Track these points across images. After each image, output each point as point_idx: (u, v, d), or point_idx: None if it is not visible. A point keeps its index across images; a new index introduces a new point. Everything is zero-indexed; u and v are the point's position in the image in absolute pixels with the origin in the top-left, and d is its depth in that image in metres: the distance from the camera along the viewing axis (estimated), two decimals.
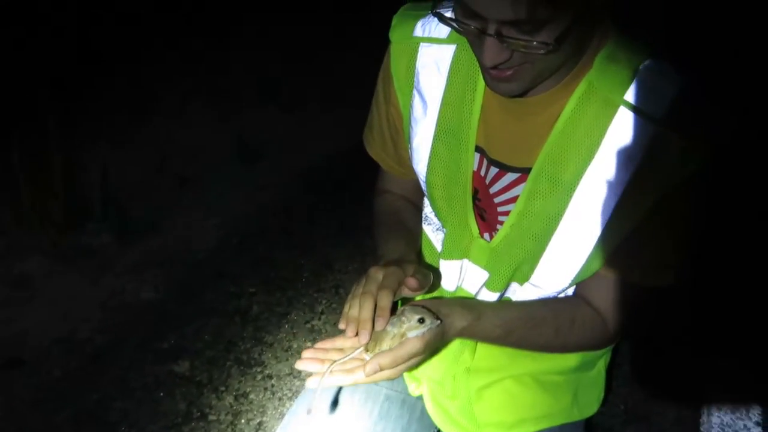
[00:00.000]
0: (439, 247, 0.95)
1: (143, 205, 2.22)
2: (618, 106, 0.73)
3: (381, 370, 0.74)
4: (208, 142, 2.64)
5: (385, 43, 0.89)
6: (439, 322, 0.78)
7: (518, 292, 0.90)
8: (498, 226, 0.86)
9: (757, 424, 1.40)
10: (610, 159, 0.75)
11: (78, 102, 2.65)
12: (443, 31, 0.82)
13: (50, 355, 1.68)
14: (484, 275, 0.90)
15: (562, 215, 0.79)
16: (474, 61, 0.79)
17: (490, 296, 0.91)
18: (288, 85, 2.99)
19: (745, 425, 1.40)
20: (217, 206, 2.29)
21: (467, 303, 0.86)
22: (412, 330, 0.76)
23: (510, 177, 0.83)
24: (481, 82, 0.81)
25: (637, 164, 0.74)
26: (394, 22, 0.88)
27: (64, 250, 1.99)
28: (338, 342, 0.80)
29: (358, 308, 0.76)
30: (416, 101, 0.87)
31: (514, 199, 0.83)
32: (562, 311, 0.88)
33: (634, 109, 0.72)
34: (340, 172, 2.35)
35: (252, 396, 1.52)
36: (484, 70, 0.72)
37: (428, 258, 1.00)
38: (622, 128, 0.73)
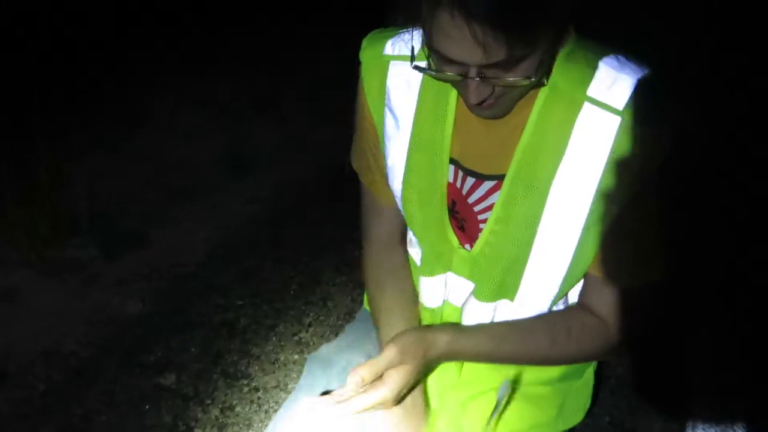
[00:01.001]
0: (419, 263, 0.96)
1: (131, 217, 2.22)
2: (582, 103, 0.74)
3: (363, 382, 0.76)
4: (198, 153, 2.65)
5: None
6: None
7: (508, 312, 0.90)
8: (479, 235, 0.87)
9: None
10: (581, 156, 0.77)
11: (67, 113, 2.65)
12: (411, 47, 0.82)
13: (35, 368, 1.66)
14: (469, 286, 0.91)
15: (540, 217, 0.80)
16: None
17: (480, 308, 0.91)
18: (280, 96, 3.01)
19: None
20: (206, 218, 2.29)
21: (451, 324, 0.91)
22: None
23: (487, 185, 0.84)
24: (453, 95, 0.82)
25: (606, 159, 0.75)
26: (364, 44, 0.89)
27: (50, 264, 1.98)
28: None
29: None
30: (389, 119, 0.88)
31: (491, 207, 0.84)
32: (557, 321, 0.88)
33: (598, 103, 0.74)
34: (330, 184, 2.35)
35: (238, 409, 1.51)
36: (468, 103, 0.74)
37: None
38: (588, 124, 0.75)
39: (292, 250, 2.12)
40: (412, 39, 0.78)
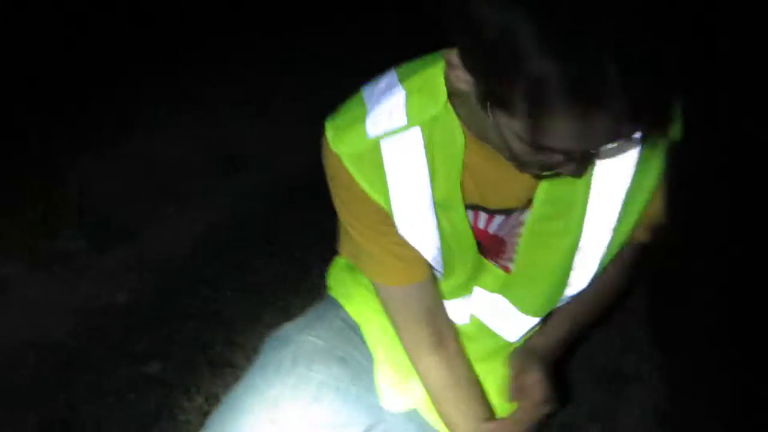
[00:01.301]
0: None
1: (122, 211, 2.23)
2: None
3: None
4: (190, 152, 2.66)
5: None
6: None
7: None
8: (504, 249, 0.92)
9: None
10: (609, 171, 0.81)
11: (59, 112, 2.67)
12: (397, 118, 0.78)
13: (21, 359, 1.67)
14: (500, 300, 0.95)
15: (580, 230, 0.85)
16: (446, 131, 0.79)
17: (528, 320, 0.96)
18: (272, 96, 3.02)
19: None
20: (196, 214, 2.30)
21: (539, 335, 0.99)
22: None
23: (516, 215, 0.87)
24: (459, 147, 0.79)
25: (634, 164, 0.80)
26: (330, 134, 0.82)
27: (39, 255, 2.00)
28: None
29: None
30: (395, 194, 0.82)
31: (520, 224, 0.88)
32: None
33: None
34: (322, 181, 2.36)
35: (222, 397, 1.52)
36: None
37: None
38: None
39: (283, 245, 2.13)
40: (396, 107, 0.77)
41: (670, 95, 0.68)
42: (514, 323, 0.96)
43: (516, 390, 0.92)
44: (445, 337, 0.94)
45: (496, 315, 0.97)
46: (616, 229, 0.85)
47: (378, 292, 0.93)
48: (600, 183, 0.81)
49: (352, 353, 1.05)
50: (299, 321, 1.09)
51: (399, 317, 0.93)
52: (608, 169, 0.80)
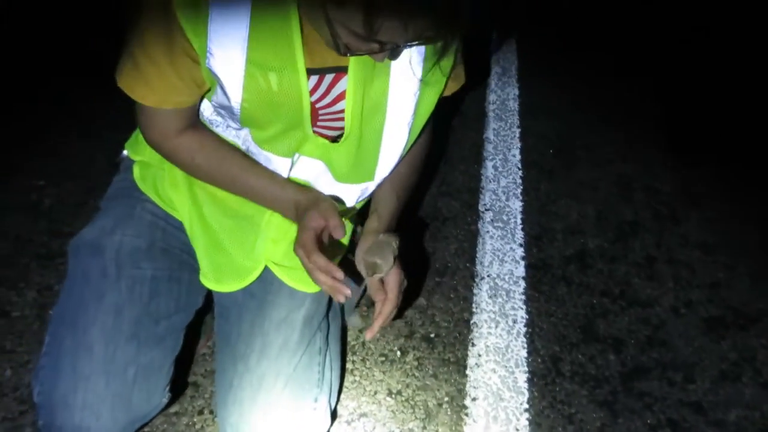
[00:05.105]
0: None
1: None
2: None
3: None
4: None
5: None
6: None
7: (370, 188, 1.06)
8: (317, 123, 0.95)
9: (520, 245, 1.69)
10: None
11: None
12: None
13: None
14: (319, 165, 1.01)
15: (386, 101, 0.92)
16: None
17: (346, 189, 1.05)
18: None
19: (511, 248, 1.68)
20: None
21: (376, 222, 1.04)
22: (394, 252, 0.97)
23: (327, 79, 0.90)
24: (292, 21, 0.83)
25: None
26: None
27: None
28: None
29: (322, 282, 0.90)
30: (215, 40, 0.82)
31: (334, 102, 0.93)
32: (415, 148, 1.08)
33: None
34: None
35: (57, 287, 1.48)
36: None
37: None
38: None
39: (87, 125, 1.98)
40: None
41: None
42: (329, 188, 1.05)
43: (377, 288, 0.99)
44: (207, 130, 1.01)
45: (315, 179, 1.04)
46: (416, 107, 0.96)
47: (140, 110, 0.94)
48: (397, 65, 0.90)
49: (170, 243, 1.06)
50: (101, 223, 1.04)
51: (166, 120, 0.95)
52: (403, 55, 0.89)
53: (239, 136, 1.01)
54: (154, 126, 0.95)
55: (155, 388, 0.97)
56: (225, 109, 0.94)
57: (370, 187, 1.06)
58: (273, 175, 1.01)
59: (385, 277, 0.97)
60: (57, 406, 0.88)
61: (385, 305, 0.96)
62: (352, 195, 1.06)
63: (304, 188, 1.01)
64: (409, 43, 0.74)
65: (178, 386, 1.26)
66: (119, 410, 0.90)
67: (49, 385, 0.89)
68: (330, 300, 1.13)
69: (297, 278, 1.05)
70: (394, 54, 0.85)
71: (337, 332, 1.18)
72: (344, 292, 0.88)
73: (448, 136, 2.08)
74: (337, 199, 1.07)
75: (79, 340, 0.91)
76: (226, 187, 1.02)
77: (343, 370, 1.32)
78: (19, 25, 2.45)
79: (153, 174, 1.08)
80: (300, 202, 0.98)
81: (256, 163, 1.01)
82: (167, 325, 1.00)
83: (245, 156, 1.01)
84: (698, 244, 1.76)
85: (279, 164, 1.01)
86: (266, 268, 1.06)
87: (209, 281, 1.06)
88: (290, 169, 1.02)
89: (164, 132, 0.96)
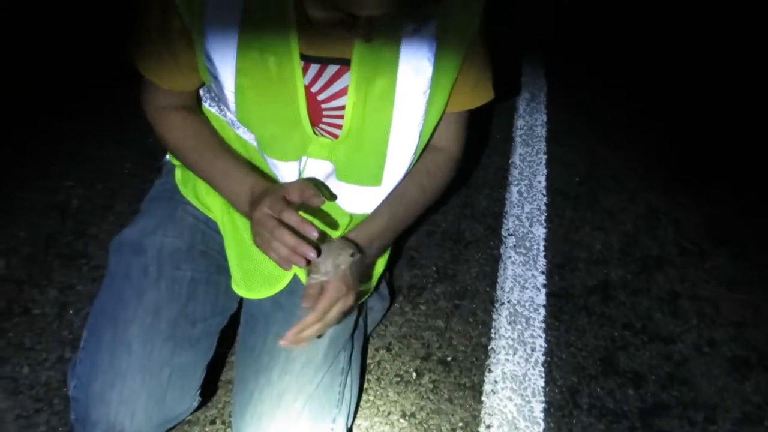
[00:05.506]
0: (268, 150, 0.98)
1: None
2: None
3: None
4: None
5: None
6: (360, 255, 0.90)
7: (377, 194, 1.02)
8: (322, 119, 0.93)
9: (542, 272, 1.67)
10: (416, 30, 0.86)
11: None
12: None
13: None
14: (328, 166, 0.98)
15: (394, 97, 0.89)
16: None
17: (350, 191, 1.01)
18: None
19: (532, 274, 1.66)
20: None
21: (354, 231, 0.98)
22: (345, 262, 0.87)
23: (330, 70, 0.89)
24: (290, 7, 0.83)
25: (437, 26, 0.85)
26: None
27: None
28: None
29: (282, 247, 0.81)
30: (211, 11, 0.84)
31: (336, 95, 0.90)
32: (415, 172, 1.01)
33: None
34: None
35: (79, 287, 1.49)
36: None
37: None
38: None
39: (121, 129, 2.02)
40: None
41: None
42: (335, 190, 1.02)
43: (311, 292, 0.89)
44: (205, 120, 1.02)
45: (325, 181, 1.02)
46: (426, 112, 0.92)
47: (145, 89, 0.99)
48: (406, 64, 0.87)
49: (209, 246, 1.07)
50: (143, 224, 1.06)
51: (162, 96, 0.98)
52: (411, 54, 0.87)
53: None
54: (147, 93, 0.98)
55: (188, 390, 0.98)
56: (222, 103, 0.94)
57: (378, 194, 1.02)
58: (239, 165, 0.97)
59: (326, 284, 0.87)
60: (93, 401, 0.89)
61: (309, 315, 0.86)
62: (358, 200, 1.03)
63: (266, 178, 0.96)
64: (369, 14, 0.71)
65: (206, 391, 1.26)
66: (153, 409, 0.91)
67: (86, 380, 0.90)
68: (357, 319, 1.13)
69: None
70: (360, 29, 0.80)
71: (359, 352, 1.17)
72: (307, 254, 0.81)
73: (473, 159, 2.07)
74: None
75: (119, 337, 0.92)
76: (192, 169, 1.00)
77: (360, 391, 1.31)
78: (58, 31, 2.51)
79: (193, 178, 1.09)
80: (255, 188, 0.92)
81: (228, 151, 0.98)
82: (203, 327, 1.01)
83: (221, 143, 0.99)
84: (724, 282, 1.72)
85: (286, 170, 0.98)
86: (298, 281, 1.06)
87: (240, 288, 1.06)
88: (300, 174, 0.99)
89: (155, 104, 0.99)
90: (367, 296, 1.16)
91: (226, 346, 1.37)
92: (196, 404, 1.01)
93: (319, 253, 0.84)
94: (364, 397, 1.33)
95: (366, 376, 1.36)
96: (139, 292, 0.95)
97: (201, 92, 1.03)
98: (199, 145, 0.98)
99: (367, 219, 0.99)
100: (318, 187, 0.92)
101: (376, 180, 0.99)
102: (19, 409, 1.23)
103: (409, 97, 0.89)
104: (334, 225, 1.07)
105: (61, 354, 1.34)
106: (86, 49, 2.37)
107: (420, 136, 0.95)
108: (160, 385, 0.92)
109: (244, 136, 1.00)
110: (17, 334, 1.37)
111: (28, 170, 1.82)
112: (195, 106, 1.02)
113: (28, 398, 1.25)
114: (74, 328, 1.40)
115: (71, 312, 1.43)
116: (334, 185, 1.02)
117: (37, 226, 1.65)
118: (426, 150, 1.02)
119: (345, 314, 0.90)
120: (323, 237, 1.05)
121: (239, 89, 0.88)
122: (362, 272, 0.95)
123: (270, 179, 0.96)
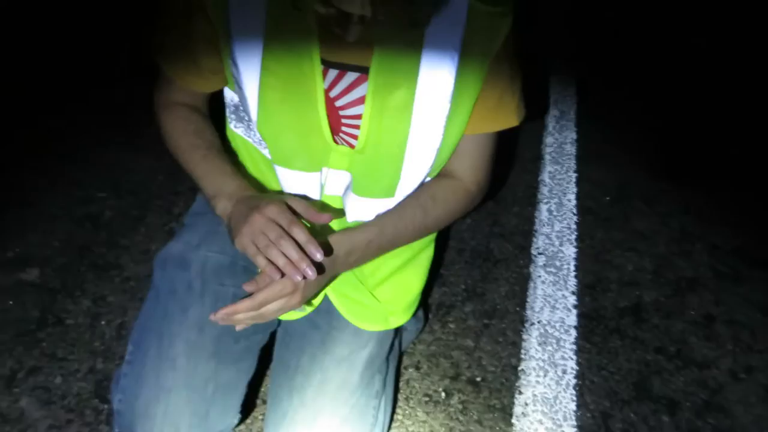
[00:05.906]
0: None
1: None
2: None
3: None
4: None
5: None
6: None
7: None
8: (341, 128, 0.91)
9: (572, 293, 1.65)
10: (438, 43, 0.84)
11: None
12: None
13: None
14: (347, 177, 0.95)
15: (412, 106, 0.87)
16: None
17: (363, 204, 0.98)
18: None
19: (563, 294, 1.64)
20: None
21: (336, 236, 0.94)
22: None
23: (350, 77, 0.87)
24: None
25: (460, 40, 0.84)
26: None
27: None
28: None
29: (282, 256, 0.80)
30: (235, 13, 0.84)
31: (354, 103, 0.89)
32: (421, 194, 0.97)
33: None
34: None
35: (111, 298, 1.51)
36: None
37: (256, 168, 1.04)
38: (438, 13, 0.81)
39: (151, 140, 2.04)
40: None
41: None
42: (351, 205, 1.00)
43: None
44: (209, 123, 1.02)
45: (343, 195, 0.99)
46: (446, 127, 0.90)
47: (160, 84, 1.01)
48: (426, 76, 0.86)
49: (251, 262, 1.06)
50: (187, 238, 1.05)
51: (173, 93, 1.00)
52: (432, 67, 0.85)
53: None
54: (161, 86, 1.01)
55: (230, 407, 0.98)
56: (245, 111, 0.93)
57: (389, 205, 0.99)
58: (233, 166, 0.96)
59: (277, 279, 0.84)
60: (138, 416, 0.89)
61: (245, 301, 0.84)
62: (364, 211, 1.00)
63: (250, 189, 0.94)
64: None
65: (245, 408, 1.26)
66: (197, 425, 0.91)
67: (132, 394, 0.91)
68: (392, 341, 1.12)
69: (360, 316, 1.04)
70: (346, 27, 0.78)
71: (393, 374, 1.16)
72: (307, 273, 0.80)
73: (502, 177, 2.06)
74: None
75: (164, 352, 0.92)
76: (184, 160, 0.98)
77: (392, 413, 1.30)
78: (99, 40, 2.56)
79: None
80: (242, 188, 0.91)
81: (223, 153, 0.98)
82: (246, 345, 1.01)
83: (220, 145, 0.99)
84: (760, 307, 1.68)
85: (307, 183, 0.97)
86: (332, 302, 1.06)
87: None
88: (321, 188, 0.97)
89: (165, 97, 1.01)
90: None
91: (263, 364, 1.37)
92: (236, 421, 1.01)
93: (321, 272, 0.85)
94: (393, 415, 1.32)
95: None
96: (183, 308, 0.96)
97: (227, 113, 1.03)
98: (198, 140, 0.98)
99: (354, 228, 0.95)
100: (314, 205, 0.91)
101: (388, 193, 0.97)
102: (52, 419, 1.24)
103: (428, 109, 0.87)
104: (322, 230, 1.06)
105: (93, 365, 1.35)
106: (115, 53, 2.41)
107: (438, 152, 0.92)
108: (204, 401, 0.92)
109: (269, 157, 1.00)
110: (50, 344, 1.39)
111: (63, 179, 1.85)
112: (203, 108, 1.04)
113: (60, 408, 1.26)
114: (106, 339, 1.41)
115: (103, 323, 1.44)
116: (350, 200, 1.00)
117: (71, 235, 1.67)
118: (439, 175, 1.00)
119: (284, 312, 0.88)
120: None
121: (263, 89, 0.87)
122: (323, 281, 0.92)
123: (259, 189, 0.96)
